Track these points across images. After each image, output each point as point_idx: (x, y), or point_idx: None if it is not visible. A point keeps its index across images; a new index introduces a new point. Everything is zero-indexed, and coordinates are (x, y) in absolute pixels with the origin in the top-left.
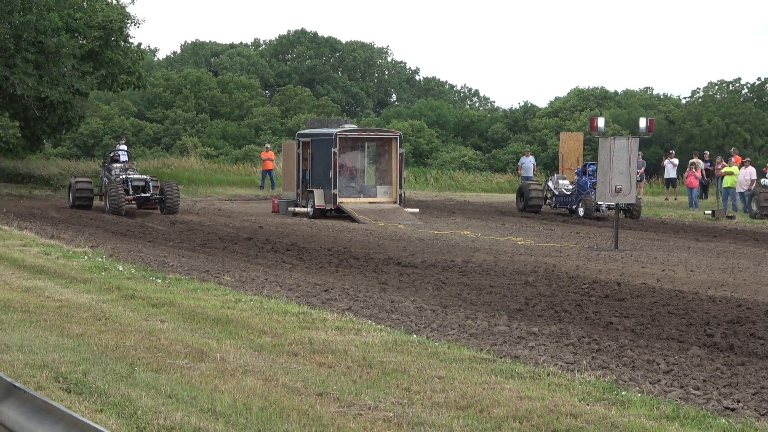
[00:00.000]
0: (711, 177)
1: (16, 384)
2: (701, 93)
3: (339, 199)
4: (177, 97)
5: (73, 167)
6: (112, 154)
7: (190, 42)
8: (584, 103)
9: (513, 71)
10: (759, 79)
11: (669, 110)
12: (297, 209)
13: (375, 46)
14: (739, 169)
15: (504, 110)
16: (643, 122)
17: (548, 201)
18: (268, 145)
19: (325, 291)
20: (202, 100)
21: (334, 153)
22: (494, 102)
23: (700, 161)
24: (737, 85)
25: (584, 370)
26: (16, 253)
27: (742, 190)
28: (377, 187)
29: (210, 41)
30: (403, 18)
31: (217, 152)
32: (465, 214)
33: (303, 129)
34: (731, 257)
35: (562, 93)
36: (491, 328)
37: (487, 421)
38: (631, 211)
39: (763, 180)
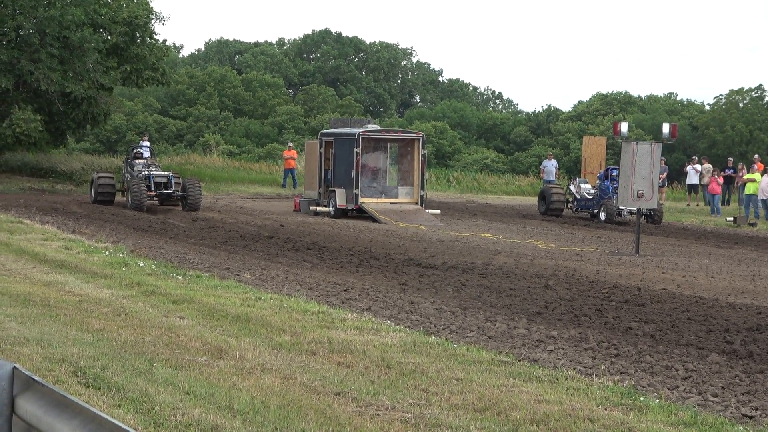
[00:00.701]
0: (731, 184)
1: (35, 377)
2: (723, 99)
3: (360, 199)
4: (201, 94)
5: (95, 162)
6: (135, 151)
7: (214, 40)
8: (608, 107)
9: (537, 74)
10: None
11: (692, 116)
12: (318, 208)
13: (399, 47)
14: (762, 176)
15: (527, 113)
16: (666, 128)
17: (570, 205)
18: (291, 144)
19: (345, 291)
20: (225, 98)
21: (357, 153)
22: (517, 105)
23: (710, 165)
24: (760, 92)
25: (602, 375)
26: (38, 247)
27: (765, 197)
28: (399, 187)
29: (234, 39)
30: (428, 19)
31: (240, 150)
32: (486, 217)
33: (326, 128)
34: (752, 264)
35: (586, 97)
36: (510, 330)
37: (504, 423)
38: (652, 217)
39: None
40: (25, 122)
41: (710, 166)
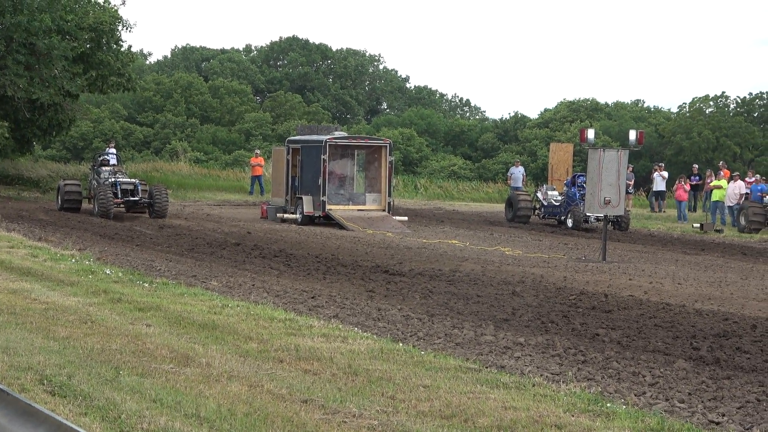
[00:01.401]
0: (698, 191)
1: (0, 386)
2: (688, 107)
3: (328, 207)
4: (167, 101)
5: (62, 170)
6: (101, 158)
7: (180, 46)
8: (575, 114)
9: (504, 81)
10: (750, 93)
11: (659, 123)
12: (285, 215)
13: (367, 54)
14: (728, 182)
15: (494, 120)
16: (633, 134)
17: (537, 211)
18: (258, 151)
19: (312, 298)
20: (192, 105)
21: (324, 160)
22: (485, 112)
23: (665, 173)
24: (725, 99)
25: (570, 381)
26: (4, 255)
27: (731, 204)
28: (366, 194)
29: (201, 46)
30: (396, 26)
31: (207, 157)
32: (453, 224)
33: (293, 135)
34: (719, 271)
35: (553, 104)
36: (478, 337)
37: (471, 430)
38: (619, 223)
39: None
40: None
41: (663, 173)
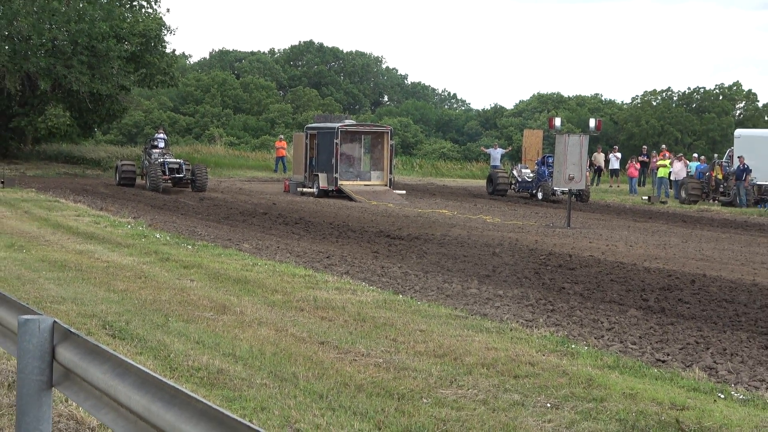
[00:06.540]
0: (646, 168)
1: (71, 329)
2: (639, 99)
3: (339, 182)
4: (206, 95)
5: (119, 152)
6: (153, 142)
7: (217, 49)
8: (543, 105)
9: (486, 78)
10: (689, 88)
11: (613, 112)
12: (304, 190)
13: (372, 55)
14: (671, 162)
15: (477, 110)
16: (592, 122)
17: (513, 186)
18: (281, 136)
19: (327, 258)
20: (226, 98)
21: (336, 144)
22: (469, 103)
23: (619, 154)
24: (669, 92)
25: (541, 327)
26: (71, 222)
27: (676, 179)
28: (371, 172)
29: (234, 49)
30: (396, 31)
31: (239, 141)
32: (443, 196)
33: (311, 123)
34: (663, 235)
35: (526, 97)
36: (464, 290)
37: (460, 367)
38: (581, 196)
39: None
40: (56, 117)
41: (603, 154)
